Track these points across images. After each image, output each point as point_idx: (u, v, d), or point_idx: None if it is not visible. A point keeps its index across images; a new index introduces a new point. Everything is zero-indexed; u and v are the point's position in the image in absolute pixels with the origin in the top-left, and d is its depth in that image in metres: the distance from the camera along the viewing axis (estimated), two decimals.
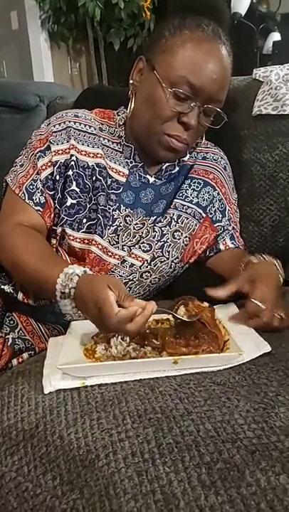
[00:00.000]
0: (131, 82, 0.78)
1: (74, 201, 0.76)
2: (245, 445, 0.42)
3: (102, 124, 0.82)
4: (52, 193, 0.77)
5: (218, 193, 0.85)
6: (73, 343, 0.62)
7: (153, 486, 0.39)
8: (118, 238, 0.79)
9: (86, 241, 0.78)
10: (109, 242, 0.78)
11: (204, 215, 0.84)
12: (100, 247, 0.78)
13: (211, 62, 0.70)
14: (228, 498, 0.37)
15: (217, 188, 0.85)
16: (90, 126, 0.80)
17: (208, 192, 0.84)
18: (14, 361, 0.77)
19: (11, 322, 0.80)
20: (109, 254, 0.78)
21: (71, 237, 0.77)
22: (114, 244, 0.78)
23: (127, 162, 0.81)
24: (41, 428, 0.49)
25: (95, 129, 0.80)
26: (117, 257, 0.78)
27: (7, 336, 0.78)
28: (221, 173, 0.87)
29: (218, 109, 0.74)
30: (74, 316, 0.64)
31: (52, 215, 0.78)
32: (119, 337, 0.60)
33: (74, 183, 0.76)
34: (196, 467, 0.40)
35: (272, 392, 0.49)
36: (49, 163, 0.76)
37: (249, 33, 2.61)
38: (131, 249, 0.79)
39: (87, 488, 0.42)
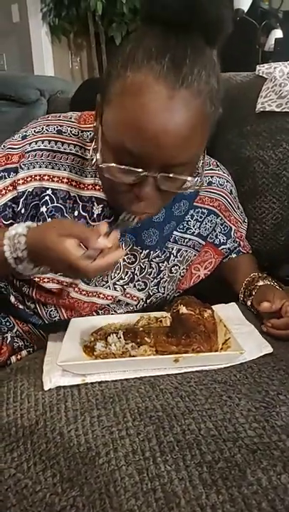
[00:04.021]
0: (94, 125, 0.62)
1: None
2: (246, 444, 0.42)
3: (91, 132, 0.68)
4: (8, 222, 0.64)
5: (221, 219, 0.79)
6: (73, 340, 0.61)
7: (154, 484, 0.39)
8: (107, 277, 0.69)
9: (63, 283, 0.67)
10: (96, 285, 0.69)
11: (204, 243, 0.78)
12: (83, 292, 0.68)
13: (157, 119, 0.49)
14: (230, 497, 0.37)
15: (220, 214, 0.79)
16: (74, 145, 0.66)
17: (211, 220, 0.77)
18: (13, 358, 0.77)
19: (8, 323, 0.78)
20: (100, 296, 0.70)
21: (45, 279, 0.66)
22: (103, 284, 0.69)
23: None
24: (41, 425, 0.49)
25: (80, 148, 0.66)
26: (109, 298, 0.70)
27: (5, 335, 0.77)
28: (227, 198, 0.79)
29: (181, 177, 0.54)
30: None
31: None
32: (115, 335, 0.60)
33: (49, 220, 0.64)
34: (197, 466, 0.40)
35: (274, 391, 0.49)
36: (10, 188, 0.64)
37: (251, 30, 2.60)
38: (125, 289, 0.70)
39: (88, 485, 0.42)
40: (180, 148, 0.52)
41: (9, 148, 0.66)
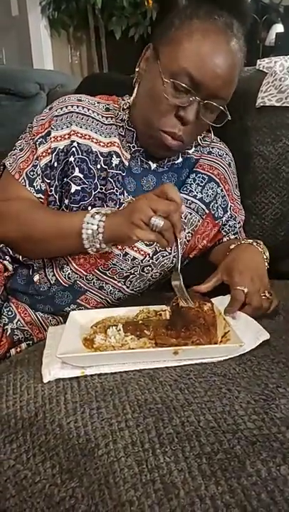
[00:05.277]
0: (137, 70, 0.75)
1: (78, 187, 0.74)
2: (245, 436, 0.42)
3: (108, 105, 0.81)
4: (49, 181, 0.75)
5: (222, 190, 0.84)
6: (72, 333, 0.61)
7: (153, 476, 0.39)
8: None
9: None
10: None
11: (207, 211, 0.82)
12: None
13: (217, 55, 0.66)
14: (229, 488, 0.37)
15: (221, 184, 0.84)
16: (93, 111, 0.78)
17: (212, 188, 0.83)
18: (12, 351, 0.77)
19: (9, 313, 0.79)
20: None
21: None
22: None
23: (129, 146, 0.79)
24: (40, 416, 0.49)
25: (98, 114, 0.78)
26: (119, 247, 0.76)
27: (6, 327, 0.78)
28: (226, 169, 0.86)
29: (221, 107, 0.70)
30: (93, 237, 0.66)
31: (48, 204, 0.77)
32: (115, 328, 0.60)
33: (77, 169, 0.74)
34: (196, 457, 0.40)
35: (273, 384, 0.49)
36: (48, 150, 0.75)
37: (252, 25, 2.59)
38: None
39: (87, 476, 0.42)
40: (227, 82, 0.69)
41: (41, 119, 0.78)
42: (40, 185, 0.75)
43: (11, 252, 0.80)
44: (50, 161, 0.75)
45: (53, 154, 0.75)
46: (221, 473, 0.38)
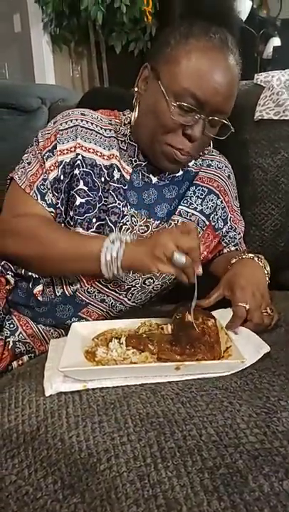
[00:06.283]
0: (136, 90, 0.75)
1: (83, 200, 0.75)
2: (247, 450, 0.41)
3: (110, 120, 0.82)
4: (57, 195, 0.76)
5: (222, 201, 0.85)
6: (74, 346, 0.61)
7: (155, 491, 0.39)
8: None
9: None
10: None
11: (207, 222, 0.84)
12: None
13: (217, 73, 0.67)
14: (231, 503, 0.37)
15: (221, 196, 0.85)
16: (96, 125, 0.78)
17: (212, 200, 0.84)
18: (14, 364, 0.77)
19: (11, 326, 0.79)
20: None
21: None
22: None
23: (130, 160, 0.79)
24: (42, 431, 0.49)
25: (101, 128, 0.79)
26: None
27: (8, 339, 0.78)
28: (225, 181, 0.87)
29: (224, 121, 0.72)
30: (112, 268, 0.66)
31: (56, 217, 0.77)
32: (117, 341, 0.59)
33: (81, 181, 0.75)
34: (198, 472, 0.40)
35: (275, 397, 0.49)
36: (56, 164, 0.75)
37: (250, 38, 2.63)
38: None
39: (89, 492, 0.42)
40: (228, 97, 0.70)
41: (46, 134, 0.78)
42: (52, 200, 0.75)
43: (12, 268, 0.80)
44: (58, 174, 0.75)
45: (60, 168, 0.75)
46: (223, 489, 0.38)
